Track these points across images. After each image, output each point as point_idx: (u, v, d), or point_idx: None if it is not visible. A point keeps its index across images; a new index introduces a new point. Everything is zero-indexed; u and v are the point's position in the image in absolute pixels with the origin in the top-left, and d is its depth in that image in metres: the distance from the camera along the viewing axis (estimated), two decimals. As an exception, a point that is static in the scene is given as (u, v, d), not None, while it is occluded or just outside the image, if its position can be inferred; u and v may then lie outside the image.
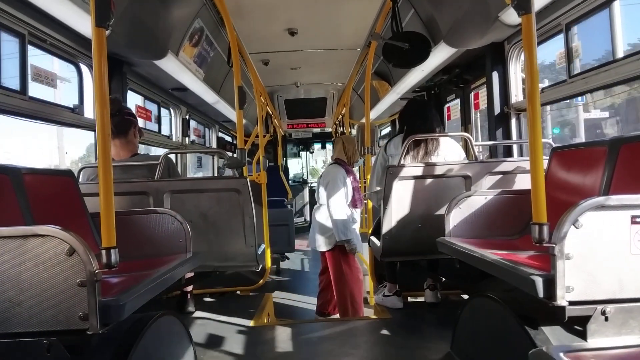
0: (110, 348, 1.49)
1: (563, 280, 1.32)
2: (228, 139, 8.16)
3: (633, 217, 1.34)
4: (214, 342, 2.64)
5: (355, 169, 4.49)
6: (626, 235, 1.34)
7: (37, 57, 2.85)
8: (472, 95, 4.45)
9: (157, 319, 1.70)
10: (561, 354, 1.20)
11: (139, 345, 1.53)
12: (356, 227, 4.20)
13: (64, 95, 3.43)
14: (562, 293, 1.32)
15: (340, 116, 7.60)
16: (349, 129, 6.75)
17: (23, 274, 1.33)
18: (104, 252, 1.41)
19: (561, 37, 3.01)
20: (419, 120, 3.10)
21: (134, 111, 4.30)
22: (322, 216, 4.15)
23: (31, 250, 1.33)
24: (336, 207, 3.97)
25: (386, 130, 8.34)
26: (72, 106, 3.17)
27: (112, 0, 1.43)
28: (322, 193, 4.17)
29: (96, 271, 1.33)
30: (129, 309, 1.43)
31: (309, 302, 5.35)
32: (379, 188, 2.85)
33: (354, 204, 4.15)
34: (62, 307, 1.34)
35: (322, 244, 4.15)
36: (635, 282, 1.35)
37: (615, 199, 1.36)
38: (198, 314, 3.12)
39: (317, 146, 12.72)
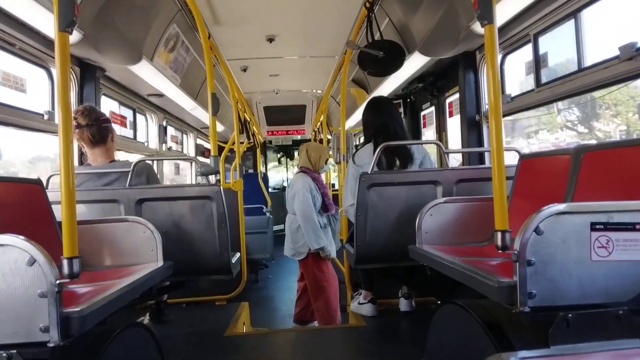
0: None
1: (525, 286, 1.34)
2: (207, 145, 8.10)
3: (592, 223, 1.37)
4: (186, 353, 2.60)
5: (323, 175, 4.50)
6: (586, 241, 1.37)
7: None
8: (446, 103, 4.52)
9: (123, 331, 1.67)
10: None
11: (103, 358, 1.49)
12: (329, 231, 4.21)
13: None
14: (525, 299, 1.34)
15: (319, 123, 7.63)
16: (326, 136, 6.78)
17: None
18: (65, 261, 1.38)
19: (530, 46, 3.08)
20: (387, 119, 3.08)
21: (108, 116, 4.25)
22: (293, 226, 4.16)
23: None
24: (305, 216, 3.98)
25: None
26: (42, 112, 3.11)
27: (77, 4, 1.41)
28: (290, 202, 4.18)
29: (57, 282, 1.30)
30: (92, 320, 1.40)
31: (287, 310, 5.32)
32: (353, 201, 2.82)
33: (324, 209, 4.16)
34: (22, 319, 1.31)
35: (295, 253, 4.15)
36: (596, 288, 1.38)
37: (575, 206, 1.39)
38: (172, 324, 3.07)
39: (297, 153, 12.72)
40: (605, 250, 1.37)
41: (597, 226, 1.37)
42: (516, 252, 1.33)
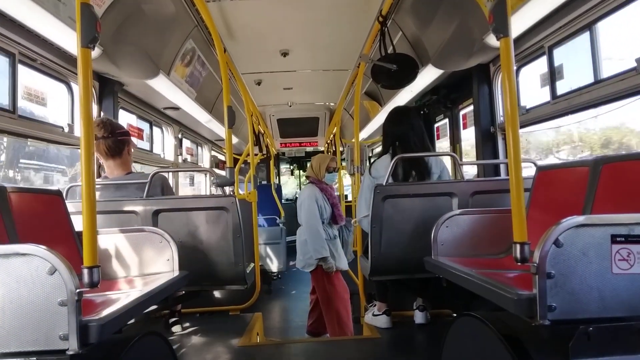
0: None
1: (545, 299, 1.32)
2: (221, 157, 8.18)
3: (613, 236, 1.35)
4: None
5: (336, 187, 4.52)
6: (607, 254, 1.35)
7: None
8: (460, 115, 4.51)
9: (140, 339, 1.68)
10: None
11: (120, 366, 1.50)
12: (338, 243, 4.21)
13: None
14: (544, 312, 1.32)
15: (332, 135, 7.66)
16: (340, 148, 6.80)
17: (4, 292, 1.32)
18: (85, 270, 1.40)
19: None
20: (406, 129, 3.03)
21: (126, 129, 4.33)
22: (302, 237, 4.17)
23: (12, 269, 1.32)
24: (309, 227, 4.00)
25: (378, 149, 8.40)
26: (62, 125, 3.18)
27: (99, 21, 1.45)
28: (299, 213, 4.20)
29: (77, 290, 1.32)
30: (111, 329, 1.41)
31: (300, 322, 5.30)
32: (368, 213, 2.79)
33: (334, 220, 4.16)
34: (42, 327, 1.33)
35: (305, 265, 4.15)
36: (617, 301, 1.36)
37: (595, 218, 1.37)
38: (186, 333, 3.08)
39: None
40: (627, 262, 1.35)
41: (618, 239, 1.35)
42: (536, 265, 1.32)
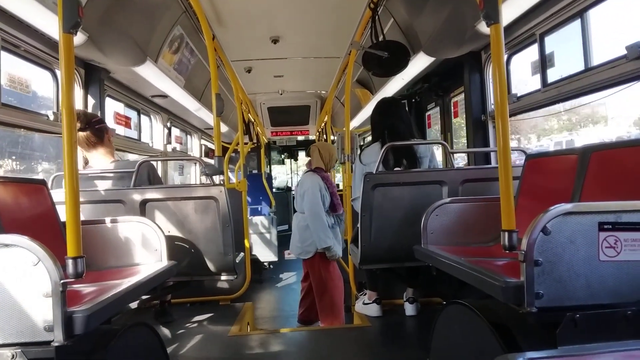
0: None
1: (532, 287, 1.32)
2: (212, 146, 8.11)
3: (601, 223, 1.35)
4: (190, 352, 2.60)
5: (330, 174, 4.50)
6: (594, 242, 1.35)
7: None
8: (451, 103, 4.50)
9: (127, 330, 1.67)
10: None
11: (107, 358, 1.49)
12: (337, 231, 4.21)
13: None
14: (532, 300, 1.33)
15: (323, 124, 7.63)
16: (331, 137, 6.77)
17: None
18: (69, 261, 1.38)
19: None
20: (395, 120, 3.12)
21: (112, 118, 4.27)
22: (301, 224, 4.15)
23: None
24: (314, 215, 3.97)
25: (369, 138, 8.38)
26: (46, 113, 3.12)
27: (81, 6, 1.41)
28: (299, 201, 4.18)
29: (62, 281, 1.30)
30: (97, 320, 1.40)
31: (291, 311, 5.32)
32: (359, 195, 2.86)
33: (333, 209, 4.15)
34: (27, 318, 1.31)
35: (302, 252, 4.14)
36: (604, 288, 1.37)
37: (582, 206, 1.37)
38: (176, 323, 3.07)
39: (301, 154, 12.71)
40: (614, 250, 1.35)
41: (605, 226, 1.35)
42: (523, 252, 1.32)
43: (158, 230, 2.27)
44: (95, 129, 2.80)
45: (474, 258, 1.87)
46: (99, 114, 3.43)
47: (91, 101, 3.56)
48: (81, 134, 2.74)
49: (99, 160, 2.86)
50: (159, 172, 5.41)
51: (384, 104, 3.31)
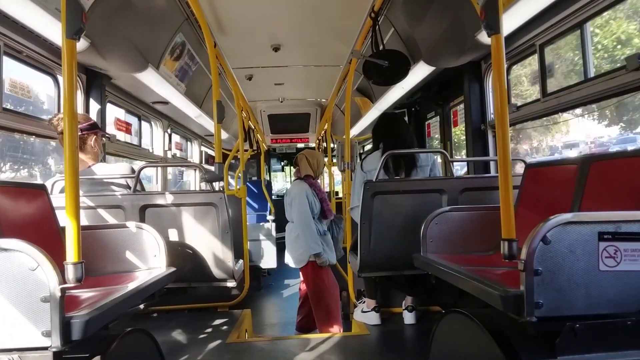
0: None
1: (532, 296, 1.32)
2: (211, 153, 8.12)
3: (601, 233, 1.35)
4: (187, 359, 2.58)
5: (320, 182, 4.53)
6: (594, 251, 1.35)
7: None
8: (451, 112, 4.52)
9: (125, 336, 1.66)
10: None
11: (104, 364, 1.48)
12: (329, 238, 4.21)
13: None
14: (531, 309, 1.32)
15: (323, 132, 7.64)
16: (331, 144, 6.78)
17: None
18: (69, 266, 1.38)
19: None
20: (392, 138, 3.18)
21: (113, 123, 4.27)
22: (292, 235, 4.14)
23: None
24: (303, 223, 3.98)
25: (369, 146, 8.39)
26: (46, 118, 3.13)
27: (85, 12, 1.42)
28: (288, 210, 4.18)
29: (60, 286, 1.30)
30: (95, 326, 1.39)
31: (289, 318, 5.29)
32: (359, 204, 2.86)
33: (323, 215, 4.16)
34: (24, 323, 1.30)
35: (295, 261, 4.13)
36: (603, 298, 1.36)
37: (582, 216, 1.37)
38: (174, 330, 3.06)
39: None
40: (614, 260, 1.35)
41: (605, 236, 1.35)
42: (523, 262, 1.32)
43: (157, 236, 2.27)
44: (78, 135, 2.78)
45: (473, 267, 1.87)
46: (97, 120, 3.43)
47: (92, 107, 3.57)
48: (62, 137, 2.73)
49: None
50: (159, 179, 5.44)
51: (386, 119, 3.41)
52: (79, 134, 2.79)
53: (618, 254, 1.36)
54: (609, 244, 1.35)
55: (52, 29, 2.61)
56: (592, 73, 2.62)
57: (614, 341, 1.36)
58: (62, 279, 1.33)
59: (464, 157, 4.86)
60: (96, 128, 2.92)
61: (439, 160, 3.27)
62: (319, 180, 4.43)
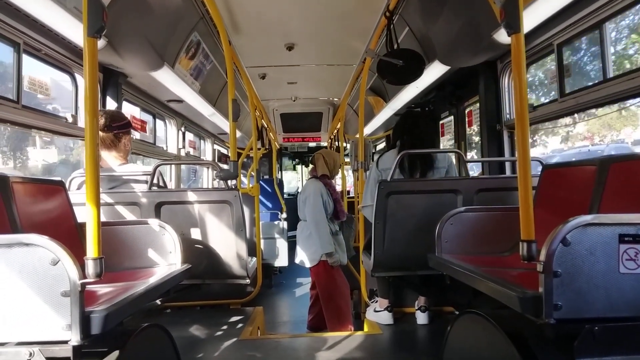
0: None
1: (551, 298, 1.31)
2: (224, 151, 8.16)
3: (621, 235, 1.34)
4: (201, 355, 2.60)
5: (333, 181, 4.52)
6: (614, 253, 1.34)
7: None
8: (465, 112, 4.49)
9: (142, 331, 1.68)
10: None
11: (122, 358, 1.50)
12: (340, 238, 4.21)
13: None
14: (550, 311, 1.31)
15: (336, 131, 7.63)
16: (344, 144, 6.77)
17: (7, 282, 1.32)
18: (89, 262, 1.40)
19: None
20: (409, 136, 3.15)
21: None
22: (304, 232, 4.15)
23: (15, 259, 1.32)
24: (316, 222, 3.98)
25: (381, 145, 8.37)
26: (65, 115, 3.17)
27: (105, 10, 1.43)
28: (302, 207, 4.18)
29: (80, 281, 1.32)
30: (113, 320, 1.41)
31: (301, 317, 5.30)
32: (372, 203, 2.85)
33: (336, 215, 4.15)
34: (45, 317, 1.32)
35: (306, 260, 4.14)
36: (623, 301, 1.35)
37: (603, 217, 1.36)
38: (188, 326, 3.08)
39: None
40: (634, 262, 1.34)
41: (626, 238, 1.34)
42: (542, 263, 1.31)
43: (173, 233, 2.29)
44: (113, 134, 2.83)
45: (489, 268, 1.85)
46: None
47: (109, 105, 3.61)
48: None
49: (109, 161, 2.89)
50: (173, 176, 5.49)
51: (409, 117, 3.37)
52: (115, 132, 2.85)
53: (639, 256, 1.34)
54: (629, 246, 1.33)
55: (70, 28, 2.64)
56: (611, 73, 2.58)
57: (633, 344, 1.34)
58: (82, 274, 1.35)
59: (475, 157, 4.83)
60: (130, 127, 2.97)
61: (454, 162, 3.24)
62: (333, 181, 4.43)
